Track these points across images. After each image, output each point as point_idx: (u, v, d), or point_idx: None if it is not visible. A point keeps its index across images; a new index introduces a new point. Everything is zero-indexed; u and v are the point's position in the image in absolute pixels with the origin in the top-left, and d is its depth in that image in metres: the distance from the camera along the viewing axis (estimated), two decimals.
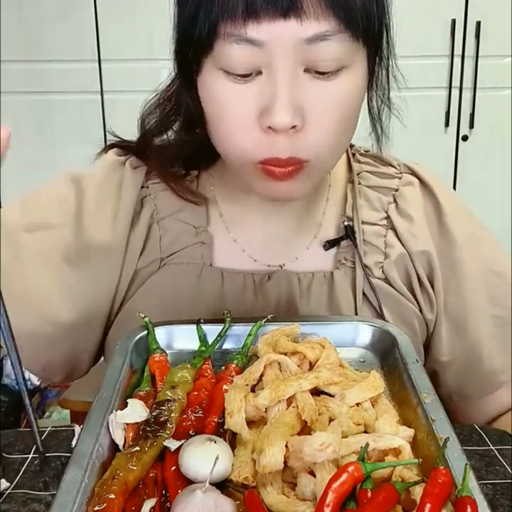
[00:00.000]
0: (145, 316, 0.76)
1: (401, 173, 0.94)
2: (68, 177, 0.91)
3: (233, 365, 0.71)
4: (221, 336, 0.76)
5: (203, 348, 0.74)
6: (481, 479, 0.64)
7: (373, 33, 0.72)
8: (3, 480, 0.66)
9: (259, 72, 0.70)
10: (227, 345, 0.77)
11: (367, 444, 0.54)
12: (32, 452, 0.72)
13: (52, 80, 2.27)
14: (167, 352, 0.73)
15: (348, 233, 0.88)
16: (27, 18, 2.21)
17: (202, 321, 0.77)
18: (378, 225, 0.90)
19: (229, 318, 0.76)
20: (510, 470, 0.70)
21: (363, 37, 0.71)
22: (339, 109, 0.73)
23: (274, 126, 0.69)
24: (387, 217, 0.91)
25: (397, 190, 0.92)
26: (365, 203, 0.91)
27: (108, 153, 0.93)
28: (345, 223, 0.90)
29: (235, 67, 0.69)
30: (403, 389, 0.67)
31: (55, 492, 0.52)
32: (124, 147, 0.92)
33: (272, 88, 0.69)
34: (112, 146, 0.94)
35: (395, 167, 0.94)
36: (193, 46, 0.72)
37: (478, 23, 2.35)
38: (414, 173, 0.94)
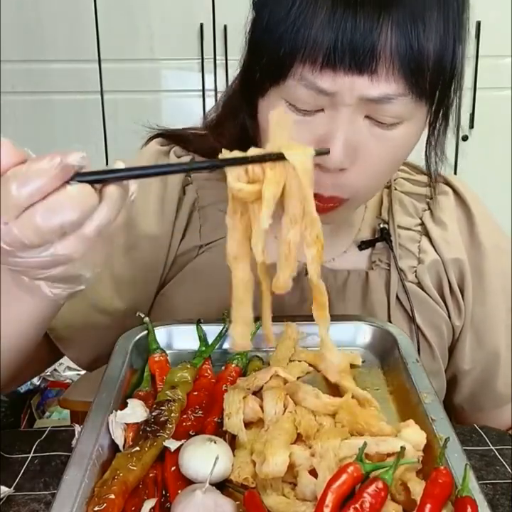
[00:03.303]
0: (145, 316, 0.76)
1: (436, 181, 0.94)
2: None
3: (233, 365, 0.71)
4: (221, 336, 0.76)
5: (203, 348, 0.74)
6: (481, 479, 0.64)
7: (439, 96, 0.73)
8: (2, 486, 0.66)
9: (321, 110, 0.70)
10: (227, 345, 0.77)
11: (365, 444, 0.54)
12: (32, 452, 0.72)
13: (52, 79, 2.26)
14: (167, 352, 0.73)
15: (384, 235, 0.90)
16: (27, 18, 2.21)
17: (202, 321, 0.77)
18: (413, 230, 0.92)
19: (229, 318, 0.76)
20: (510, 470, 0.70)
21: (428, 98, 0.71)
22: (391, 156, 0.74)
23: (326, 166, 0.70)
24: (422, 224, 0.92)
25: (431, 198, 0.93)
26: (400, 208, 0.93)
27: (150, 144, 0.93)
28: (381, 226, 0.91)
29: (298, 104, 0.70)
30: (403, 389, 0.67)
31: (55, 492, 0.52)
32: (169, 136, 0.93)
33: (331, 128, 0.70)
34: (157, 135, 0.94)
35: (429, 175, 0.94)
36: (264, 72, 0.72)
37: (478, 23, 2.35)
38: (448, 183, 0.94)
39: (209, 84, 2.26)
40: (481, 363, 0.92)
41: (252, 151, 0.56)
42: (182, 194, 0.89)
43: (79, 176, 0.50)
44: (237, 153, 0.55)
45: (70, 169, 0.49)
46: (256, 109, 0.76)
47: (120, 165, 0.53)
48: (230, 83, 0.87)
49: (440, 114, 0.77)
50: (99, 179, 0.51)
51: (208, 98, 2.27)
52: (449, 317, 0.90)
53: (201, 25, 2.21)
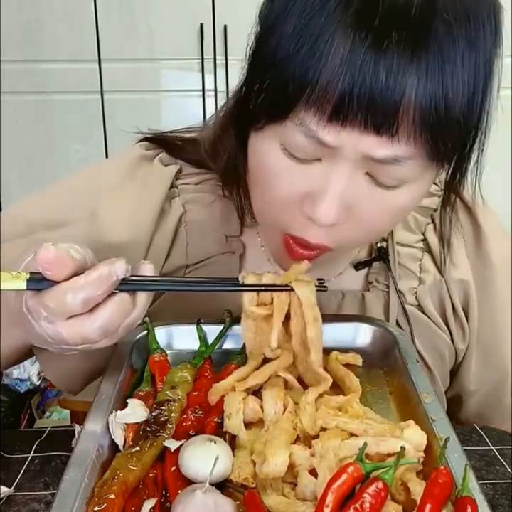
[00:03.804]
0: (145, 316, 0.76)
1: (441, 190, 0.84)
2: (88, 172, 0.87)
3: (233, 365, 0.71)
4: (221, 336, 0.76)
5: (203, 348, 0.74)
6: (481, 479, 0.64)
7: (458, 158, 0.65)
8: (2, 486, 0.66)
9: (319, 159, 0.62)
10: (227, 345, 0.77)
11: (365, 444, 0.54)
12: (32, 452, 0.72)
13: (52, 80, 2.26)
14: (167, 352, 0.73)
15: (381, 255, 0.84)
16: (27, 18, 2.21)
17: (202, 321, 0.77)
18: (414, 247, 0.85)
19: (229, 318, 0.76)
20: (510, 470, 0.70)
21: (443, 160, 0.63)
22: (389, 216, 0.67)
23: (315, 221, 0.63)
24: (424, 240, 0.86)
25: (435, 210, 0.85)
26: (401, 222, 0.85)
27: (134, 148, 0.87)
28: (379, 244, 0.85)
29: (295, 151, 0.62)
30: (403, 389, 0.67)
31: (55, 492, 0.52)
32: (157, 141, 0.86)
33: (326, 181, 0.62)
34: (145, 139, 0.87)
35: (435, 184, 0.85)
36: (262, 105, 0.62)
37: None
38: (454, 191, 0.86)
39: (209, 84, 2.26)
40: (489, 382, 0.88)
41: (266, 278, 0.67)
42: (168, 206, 0.82)
43: (121, 285, 0.58)
44: (252, 278, 0.67)
45: (117, 282, 0.57)
46: (246, 140, 0.68)
47: (149, 268, 0.61)
48: (231, 92, 0.75)
49: (459, 171, 0.68)
50: (136, 289, 0.60)
51: (207, 98, 2.27)
52: (452, 340, 0.86)
53: (201, 25, 2.21)
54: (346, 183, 0.61)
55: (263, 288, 0.67)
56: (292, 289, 0.66)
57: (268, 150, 0.64)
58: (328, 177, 0.62)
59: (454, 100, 0.57)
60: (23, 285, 0.57)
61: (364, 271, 0.86)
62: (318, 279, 0.69)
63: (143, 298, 0.60)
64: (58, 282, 0.56)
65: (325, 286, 0.69)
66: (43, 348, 0.79)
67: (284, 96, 0.59)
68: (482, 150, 0.66)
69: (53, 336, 0.58)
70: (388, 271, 0.84)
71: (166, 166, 0.84)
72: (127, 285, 0.59)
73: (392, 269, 0.84)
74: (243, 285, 0.67)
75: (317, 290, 0.68)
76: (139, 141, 0.87)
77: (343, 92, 0.56)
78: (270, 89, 0.60)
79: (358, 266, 0.85)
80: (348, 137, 0.58)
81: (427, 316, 0.85)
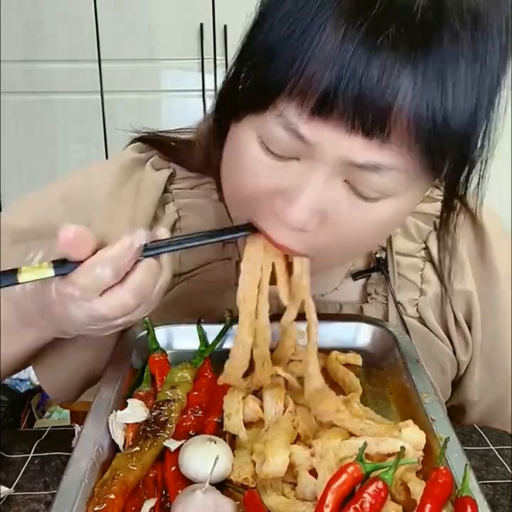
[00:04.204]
0: (145, 316, 0.76)
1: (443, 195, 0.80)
2: (79, 179, 0.85)
3: None
4: (221, 336, 0.76)
5: (203, 348, 0.74)
6: (481, 479, 0.64)
7: (453, 176, 0.60)
8: (1, 486, 0.66)
9: (297, 158, 0.58)
10: (227, 345, 0.76)
11: (365, 444, 0.54)
12: (32, 452, 0.72)
13: (52, 80, 2.26)
14: (167, 352, 0.73)
15: (380, 266, 0.81)
16: (27, 18, 2.21)
17: (202, 321, 0.77)
18: (415, 256, 0.82)
19: (229, 318, 0.76)
20: (510, 470, 0.70)
21: (435, 176, 0.59)
22: (367, 230, 0.61)
23: (284, 221, 0.59)
24: (426, 248, 0.82)
25: (438, 217, 0.79)
26: (400, 230, 0.81)
27: (126, 151, 0.84)
28: (377, 255, 0.81)
29: (272, 146, 0.58)
30: (403, 389, 0.67)
31: (55, 492, 0.52)
32: (151, 141, 0.83)
33: (301, 183, 0.57)
34: (139, 139, 0.84)
35: (438, 188, 0.76)
36: (242, 92, 0.59)
37: None
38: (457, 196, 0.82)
39: (209, 84, 2.26)
40: (493, 393, 0.87)
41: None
42: (161, 212, 0.80)
43: (144, 251, 0.59)
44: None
45: (140, 249, 0.58)
46: (226, 133, 0.64)
47: (164, 232, 0.62)
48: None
49: (458, 185, 0.62)
50: (159, 253, 0.60)
51: (207, 98, 2.27)
52: (454, 352, 0.84)
53: (201, 25, 2.21)
54: (322, 188, 0.57)
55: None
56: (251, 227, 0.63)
57: (245, 142, 0.60)
58: (303, 178, 0.57)
59: (454, 112, 0.52)
60: (51, 272, 0.56)
61: (362, 282, 0.83)
62: None
63: (167, 259, 0.61)
64: (82, 262, 0.56)
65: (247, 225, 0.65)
66: (39, 358, 0.79)
67: (267, 84, 0.55)
68: (485, 167, 0.61)
69: (92, 314, 0.58)
70: (387, 282, 0.81)
71: (157, 170, 0.82)
72: (150, 251, 0.59)
73: (391, 280, 0.81)
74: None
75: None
76: (132, 142, 0.84)
77: (328, 86, 0.51)
78: (255, 77, 0.57)
79: (355, 276, 0.82)
80: (328, 135, 0.54)
81: (428, 328, 0.82)
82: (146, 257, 0.59)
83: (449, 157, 0.56)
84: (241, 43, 0.60)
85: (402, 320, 0.81)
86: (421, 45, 0.51)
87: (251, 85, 0.58)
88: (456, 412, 0.90)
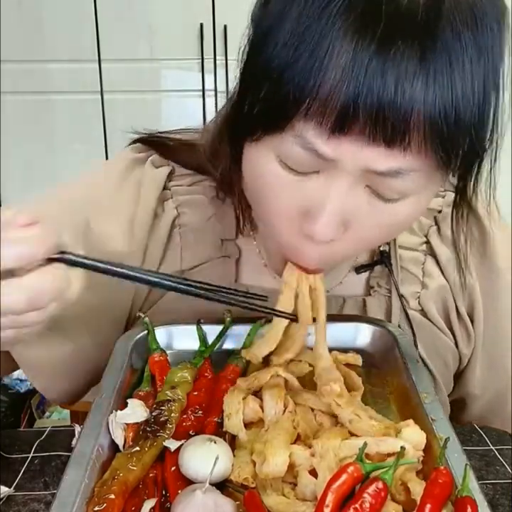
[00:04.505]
0: (145, 316, 0.76)
1: (445, 190, 0.82)
2: (82, 181, 0.85)
3: (233, 365, 0.71)
4: (221, 336, 0.76)
5: (203, 348, 0.74)
6: (481, 479, 0.64)
7: (467, 172, 0.62)
8: (1, 486, 0.66)
9: (316, 172, 0.58)
10: (227, 345, 0.77)
11: (365, 444, 0.54)
12: (32, 452, 0.72)
13: (52, 80, 2.26)
14: (167, 352, 0.73)
15: (383, 259, 0.82)
16: (27, 18, 2.21)
17: (202, 321, 0.77)
18: (417, 250, 0.83)
19: (229, 318, 0.76)
20: (510, 470, 0.70)
21: (449, 169, 0.60)
22: (388, 230, 0.64)
23: (313, 238, 0.60)
24: (427, 242, 0.84)
25: (439, 211, 0.83)
26: None
27: (125, 151, 0.84)
28: (381, 248, 0.82)
29: (291, 163, 0.58)
30: (403, 389, 0.67)
31: (55, 492, 0.52)
32: (150, 142, 0.83)
33: (324, 195, 0.58)
34: (138, 140, 0.84)
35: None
36: (257, 115, 0.58)
37: None
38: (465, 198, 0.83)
39: (209, 84, 2.26)
40: (494, 388, 0.87)
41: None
42: (160, 210, 0.80)
43: (63, 253, 0.51)
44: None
45: (54, 249, 0.50)
46: (241, 152, 0.64)
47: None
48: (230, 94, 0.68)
49: (470, 180, 0.64)
50: (80, 265, 0.53)
51: (207, 98, 2.27)
52: (456, 345, 0.85)
53: (201, 25, 2.21)
54: (345, 197, 0.58)
55: (268, 310, 0.66)
56: (296, 319, 0.67)
57: (264, 162, 0.60)
58: (326, 191, 0.58)
59: (465, 108, 0.54)
60: None
61: (365, 275, 0.84)
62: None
63: (79, 277, 0.53)
64: None
65: (294, 315, 0.68)
66: (25, 359, 0.76)
67: (281, 108, 0.55)
68: (495, 159, 0.62)
69: None
70: (390, 275, 0.82)
71: (157, 167, 0.82)
72: (69, 260, 0.52)
73: (394, 273, 0.82)
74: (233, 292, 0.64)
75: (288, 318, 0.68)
76: (131, 143, 0.85)
77: (346, 103, 0.52)
78: (266, 101, 0.56)
79: (359, 269, 0.83)
80: (349, 150, 0.55)
81: (430, 321, 0.83)
82: (58, 261, 0.51)
83: (461, 152, 0.57)
84: (241, 65, 0.60)
85: (406, 313, 0.81)
86: (428, 49, 0.52)
87: (263, 109, 0.57)
88: (457, 408, 0.90)
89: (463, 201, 0.70)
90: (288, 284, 0.67)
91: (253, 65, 0.59)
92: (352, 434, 0.60)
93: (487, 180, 0.64)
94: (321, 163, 0.57)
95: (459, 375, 0.88)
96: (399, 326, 0.82)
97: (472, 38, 0.54)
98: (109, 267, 0.54)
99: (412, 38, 0.51)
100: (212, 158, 0.76)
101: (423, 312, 0.83)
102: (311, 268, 0.65)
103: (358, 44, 0.51)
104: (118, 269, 0.54)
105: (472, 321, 0.84)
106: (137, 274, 0.56)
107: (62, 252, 0.52)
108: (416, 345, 0.80)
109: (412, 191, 0.59)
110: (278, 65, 0.54)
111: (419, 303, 0.83)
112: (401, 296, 0.82)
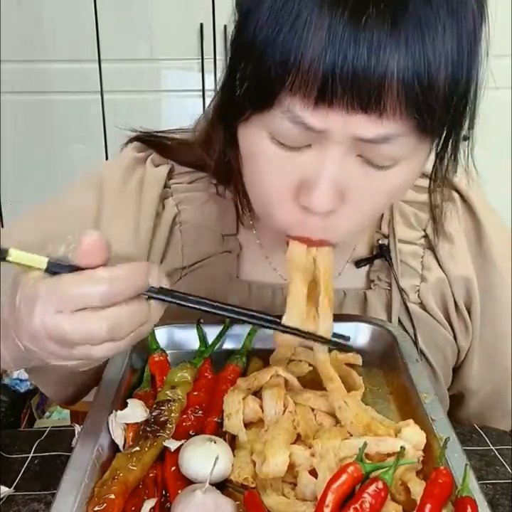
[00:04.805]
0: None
1: (441, 186, 0.82)
2: (87, 183, 0.84)
3: (233, 366, 0.71)
4: (221, 336, 0.76)
5: (203, 348, 0.74)
6: (481, 479, 0.64)
7: (448, 131, 0.63)
8: (1, 486, 0.66)
9: (308, 146, 0.60)
10: (227, 345, 0.77)
11: (365, 444, 0.54)
12: (32, 452, 0.72)
13: (52, 80, 2.26)
14: (167, 352, 0.73)
15: (383, 253, 0.83)
16: (27, 18, 2.21)
17: (202, 321, 0.77)
18: (415, 244, 0.85)
19: (229, 319, 0.76)
20: (510, 470, 0.70)
21: (434, 133, 0.62)
22: (385, 196, 0.65)
23: (311, 209, 0.61)
24: (425, 236, 0.85)
25: (437, 206, 0.83)
26: (401, 219, 0.85)
27: (126, 150, 0.85)
28: (380, 241, 0.84)
29: (283, 139, 0.60)
30: (403, 389, 0.67)
31: (55, 492, 0.52)
32: (147, 141, 0.84)
33: (318, 167, 0.60)
34: (135, 138, 0.85)
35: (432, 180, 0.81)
36: (245, 95, 0.60)
37: None
38: (454, 188, 0.85)
39: (209, 84, 2.26)
40: (492, 383, 0.88)
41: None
42: (161, 207, 0.81)
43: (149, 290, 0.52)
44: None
45: (146, 286, 0.52)
46: (235, 135, 0.65)
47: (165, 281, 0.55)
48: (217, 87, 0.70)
49: (450, 141, 0.66)
50: (167, 301, 0.54)
51: (207, 98, 2.26)
52: (455, 338, 0.85)
53: (201, 25, 2.21)
54: (339, 167, 0.59)
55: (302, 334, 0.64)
56: (328, 342, 0.63)
57: (257, 141, 0.62)
58: (319, 163, 0.59)
59: (437, 71, 0.55)
60: (44, 262, 0.51)
61: (365, 269, 0.85)
62: (341, 336, 0.65)
63: (157, 310, 0.54)
64: (80, 269, 0.50)
65: (350, 347, 0.69)
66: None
67: (267, 83, 0.57)
68: (473, 120, 0.64)
69: (52, 329, 0.49)
70: (390, 268, 0.83)
71: (157, 166, 0.83)
72: (152, 292, 0.53)
73: (394, 266, 0.82)
74: (283, 325, 0.62)
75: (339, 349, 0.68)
76: (128, 142, 0.85)
77: (326, 74, 0.54)
78: (252, 78, 0.58)
79: (359, 263, 0.84)
80: (336, 119, 0.56)
81: (430, 314, 0.84)
82: (149, 298, 0.53)
83: (440, 115, 0.58)
84: (230, 46, 0.62)
85: (406, 306, 0.82)
86: (399, 15, 0.53)
87: (251, 87, 0.59)
88: (455, 403, 0.91)
89: (441, 164, 0.71)
90: (292, 262, 0.65)
91: (238, 45, 0.61)
92: (350, 435, 0.60)
93: (464, 146, 0.67)
94: (312, 135, 0.58)
95: (457, 369, 0.89)
96: (399, 319, 0.83)
97: (444, 1, 0.55)
98: (198, 299, 0.56)
99: (384, 5, 0.53)
100: (206, 147, 0.77)
101: (422, 305, 0.84)
102: (315, 239, 0.64)
103: (333, 15, 0.53)
104: (207, 302, 0.56)
105: (470, 314, 0.85)
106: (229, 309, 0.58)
107: (150, 287, 0.52)
108: (416, 338, 0.81)
109: (401, 156, 0.60)
110: (260, 43, 0.56)
111: (418, 296, 0.84)
112: (401, 290, 0.82)
